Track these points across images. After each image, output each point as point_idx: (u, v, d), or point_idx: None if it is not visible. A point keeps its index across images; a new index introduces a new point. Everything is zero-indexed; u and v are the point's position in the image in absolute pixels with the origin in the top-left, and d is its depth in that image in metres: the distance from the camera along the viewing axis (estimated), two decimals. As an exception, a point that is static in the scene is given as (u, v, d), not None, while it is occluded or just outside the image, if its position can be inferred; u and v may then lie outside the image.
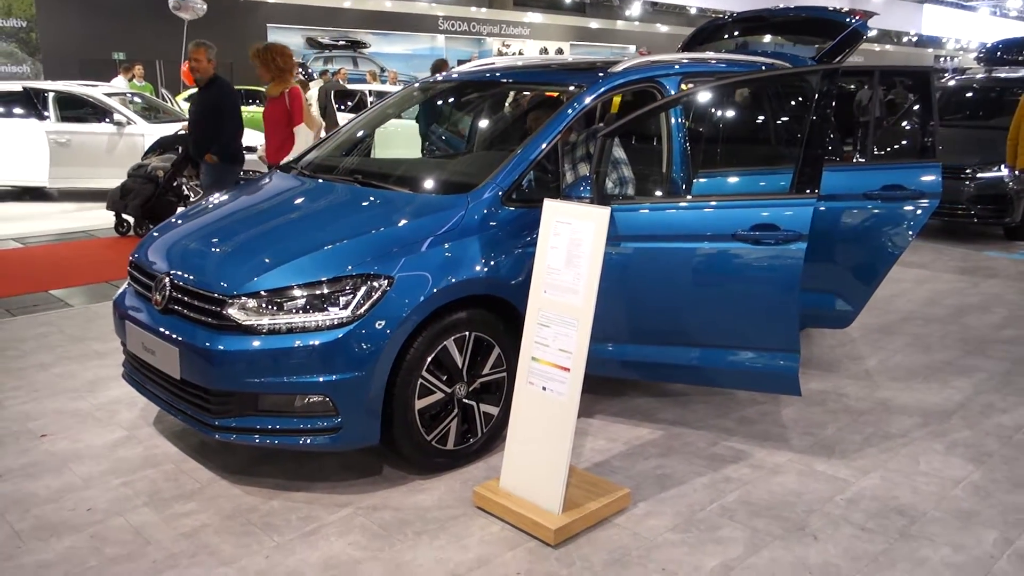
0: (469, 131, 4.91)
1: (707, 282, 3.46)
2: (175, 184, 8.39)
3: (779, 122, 4.80)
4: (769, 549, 2.89)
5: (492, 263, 3.40)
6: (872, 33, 38.96)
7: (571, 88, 3.95)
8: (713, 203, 3.49)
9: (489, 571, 2.76)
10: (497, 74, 4.57)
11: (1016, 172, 7.95)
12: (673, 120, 4.07)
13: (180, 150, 8.79)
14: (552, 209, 3.06)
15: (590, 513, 3.01)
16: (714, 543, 2.92)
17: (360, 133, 4.68)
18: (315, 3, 25.92)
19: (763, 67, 4.70)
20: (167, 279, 3.39)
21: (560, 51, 30.19)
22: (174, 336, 3.24)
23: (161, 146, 9.40)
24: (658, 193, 4.05)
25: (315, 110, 13.04)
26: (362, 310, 3.08)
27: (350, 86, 15.07)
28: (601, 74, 3.98)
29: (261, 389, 3.10)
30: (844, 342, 5.19)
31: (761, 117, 4.85)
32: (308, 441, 3.15)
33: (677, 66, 4.25)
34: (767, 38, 6.50)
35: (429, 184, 3.81)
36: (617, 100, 4.44)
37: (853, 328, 5.34)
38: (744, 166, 4.45)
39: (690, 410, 4.09)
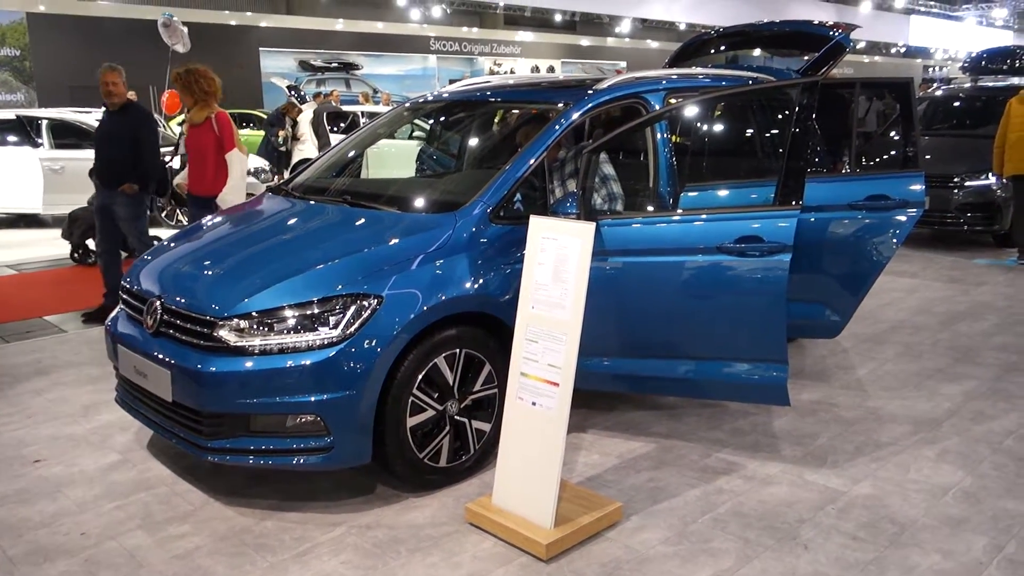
0: (459, 150, 4.95)
1: (694, 295, 3.49)
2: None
3: (765, 135, 4.85)
4: (760, 560, 2.90)
5: (481, 280, 3.43)
6: (860, 45, 39.34)
7: (558, 105, 4.00)
8: (698, 216, 3.52)
9: (482, 587, 2.77)
10: (485, 93, 4.62)
11: (1004, 180, 8.02)
12: (659, 135, 4.11)
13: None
14: (538, 225, 3.09)
15: (582, 527, 3.02)
16: (706, 555, 2.94)
17: (350, 154, 4.73)
18: (307, 26, 26.11)
19: (749, 81, 4.76)
20: (158, 302, 3.41)
21: (552, 69, 30.38)
22: (165, 359, 3.26)
23: None
24: (649, 208, 4.09)
25: (306, 133, 13.11)
26: (352, 329, 3.10)
27: (343, 108, 15.15)
28: (587, 91, 4.02)
29: (253, 410, 3.11)
30: (835, 352, 5.22)
31: (747, 130, 4.91)
32: (300, 461, 3.16)
33: (662, 82, 4.30)
34: (756, 52, 6.57)
35: (417, 203, 3.85)
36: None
37: (844, 338, 5.38)
38: (731, 179, 4.49)
39: (682, 422, 4.11)
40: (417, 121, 5.26)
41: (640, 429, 4.04)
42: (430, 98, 4.82)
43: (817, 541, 3.01)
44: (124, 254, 6.25)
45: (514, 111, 4.83)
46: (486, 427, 3.53)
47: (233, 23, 24.72)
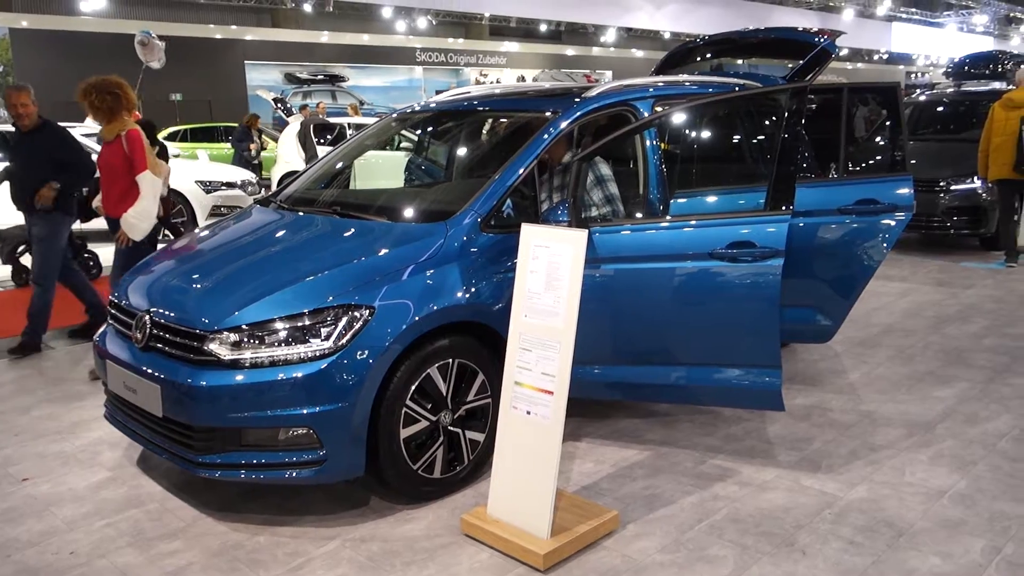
0: (447, 159, 4.94)
1: (686, 301, 3.48)
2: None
3: (754, 141, 4.86)
4: (758, 566, 2.88)
5: (473, 289, 3.41)
6: (843, 52, 39.65)
7: (547, 114, 3.99)
8: (689, 223, 3.52)
9: (479, 599, 2.74)
10: (473, 102, 4.62)
11: (989, 184, 8.08)
12: (648, 142, 4.11)
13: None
14: (530, 233, 3.08)
15: (579, 537, 3.00)
16: (703, 562, 2.92)
17: (338, 165, 4.71)
18: (292, 39, 26.12)
19: (735, 88, 4.77)
20: (147, 316, 3.38)
21: (522, 78, 30.27)
22: (155, 373, 3.23)
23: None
24: (637, 215, 4.09)
25: (287, 145, 13.06)
26: (344, 340, 3.07)
27: (330, 119, 15.14)
28: (576, 99, 4.02)
29: (244, 424, 3.08)
30: (827, 356, 5.22)
31: (736, 136, 4.92)
32: (293, 475, 3.13)
33: (650, 89, 4.30)
34: (739, 61, 6.59)
35: (408, 213, 3.83)
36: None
37: (836, 342, 5.39)
38: (722, 185, 4.50)
39: (676, 429, 4.09)
40: (405, 132, 5.23)
41: (634, 437, 4.03)
42: (417, 108, 4.82)
43: (815, 546, 3.00)
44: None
45: (502, 120, 4.82)
46: (480, 437, 3.51)
47: (218, 36, 24.70)
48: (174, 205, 8.17)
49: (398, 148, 9.22)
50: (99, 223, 6.36)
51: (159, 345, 3.30)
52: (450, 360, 3.36)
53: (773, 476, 3.58)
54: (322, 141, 13.09)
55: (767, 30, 6.12)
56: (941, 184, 8.39)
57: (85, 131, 11.65)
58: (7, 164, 5.94)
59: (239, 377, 3.05)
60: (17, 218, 7.73)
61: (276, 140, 14.70)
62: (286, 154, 13.22)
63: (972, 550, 2.95)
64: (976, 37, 41.86)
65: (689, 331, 3.52)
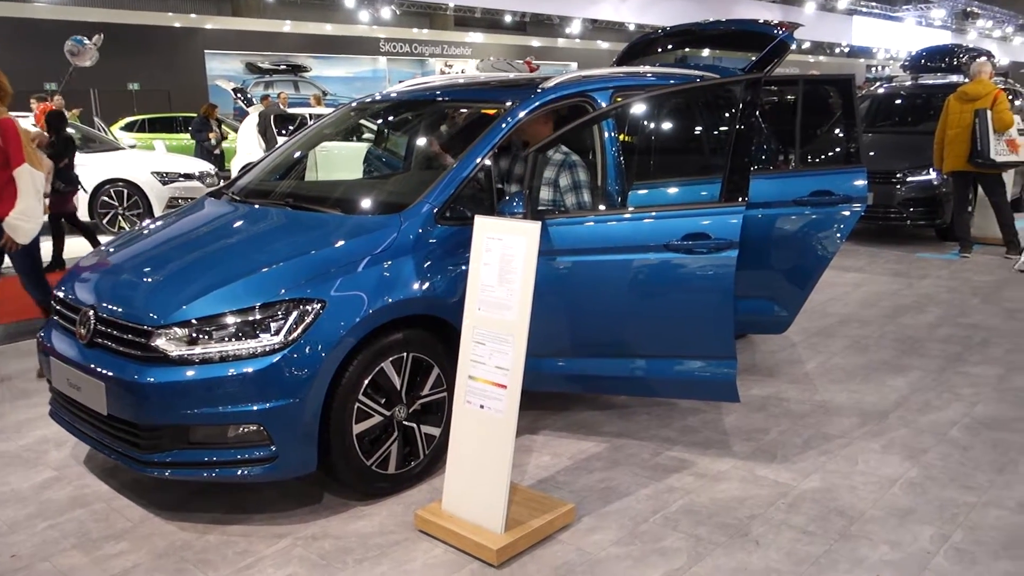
0: (405, 150, 4.87)
1: (642, 293, 3.48)
2: None
3: (713, 132, 4.87)
4: (712, 557, 2.89)
5: (428, 282, 3.37)
6: (805, 45, 40.05)
7: (505, 104, 3.95)
8: (645, 214, 3.51)
9: (432, 596, 2.71)
10: (432, 92, 4.56)
11: (944, 176, 8.20)
12: (606, 133, 4.10)
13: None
14: (483, 225, 3.04)
15: (533, 531, 2.98)
16: (658, 554, 2.92)
17: (294, 156, 4.63)
18: (254, 28, 25.72)
19: (697, 79, 4.77)
20: (91, 311, 3.29)
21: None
22: (100, 370, 3.14)
23: None
24: (599, 207, 4.06)
25: (246, 136, 12.85)
26: (294, 335, 3.02)
27: (291, 110, 14.94)
28: (534, 91, 3.99)
29: (192, 421, 3.01)
30: (784, 347, 5.26)
31: (694, 127, 4.92)
32: (244, 472, 3.07)
33: (609, 80, 4.28)
34: (705, 52, 6.60)
35: (362, 205, 3.77)
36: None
37: (793, 332, 5.44)
38: (681, 176, 4.50)
39: (634, 421, 4.09)
40: (363, 121, 5.15)
41: (592, 429, 4.02)
42: (376, 98, 4.75)
43: (768, 536, 3.01)
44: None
45: (461, 111, 4.77)
46: (436, 432, 3.47)
47: (177, 25, 24.25)
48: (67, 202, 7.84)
49: (357, 139, 9.12)
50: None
51: (104, 341, 3.22)
52: (404, 354, 3.32)
53: (728, 467, 3.59)
54: (283, 132, 12.92)
55: (727, 22, 6.13)
56: (898, 176, 8.50)
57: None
58: None
59: (187, 373, 2.98)
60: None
61: (237, 131, 14.47)
62: (245, 145, 13.01)
63: (921, 537, 2.99)
64: (934, 31, 42.50)
65: (645, 323, 3.52)
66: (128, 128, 18.57)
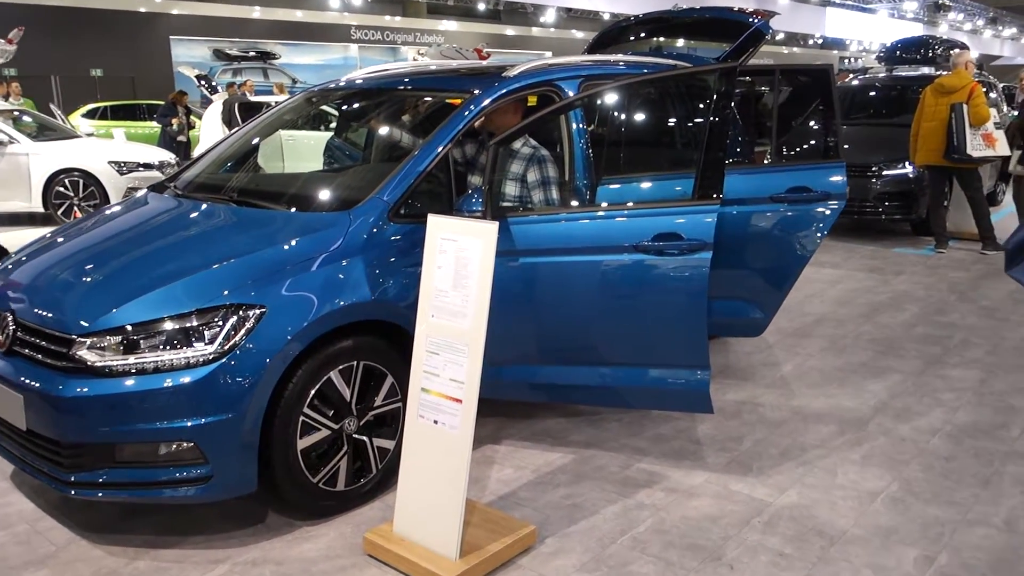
0: (362, 141, 4.60)
1: (610, 297, 3.26)
2: None
3: (687, 124, 4.65)
4: (683, 584, 2.69)
5: (380, 285, 3.13)
6: (779, 36, 40.03)
7: (466, 93, 3.71)
8: (612, 213, 3.29)
9: (378, 631, 2.48)
10: (393, 80, 4.30)
11: (920, 169, 8.06)
12: (574, 125, 3.86)
13: None
14: (437, 225, 2.80)
15: (491, 556, 2.76)
16: (625, 581, 2.71)
17: (243, 147, 4.34)
18: (221, 13, 25.13)
19: (671, 69, 4.55)
20: (10, 316, 3.01)
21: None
22: (18, 381, 2.87)
23: None
24: (567, 205, 3.83)
25: (210, 125, 12.46)
26: (230, 344, 2.76)
27: (256, 98, 14.54)
28: (497, 79, 3.75)
29: (118, 438, 2.75)
30: (760, 348, 5.08)
31: (667, 119, 4.70)
32: (176, 493, 2.81)
33: (577, 69, 4.05)
34: (680, 42, 6.39)
35: (309, 201, 3.51)
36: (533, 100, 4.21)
37: (768, 332, 5.24)
38: (653, 171, 4.28)
39: (603, 429, 3.88)
40: (323, 108, 4.86)
41: (558, 438, 3.80)
42: (331, 86, 4.48)
43: (743, 560, 2.81)
44: None
45: (424, 100, 4.50)
46: (390, 445, 3.24)
47: (142, 10, 23.61)
48: None
49: (324, 127, 8.83)
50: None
51: (23, 350, 2.94)
52: (355, 362, 3.08)
53: (701, 481, 3.39)
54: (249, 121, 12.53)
55: (701, 9, 5.92)
56: (873, 169, 8.35)
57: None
58: None
59: (110, 386, 2.71)
60: None
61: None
62: (210, 134, 12.61)
63: (905, 561, 2.80)
64: (906, 23, 42.66)
65: (613, 329, 3.30)
66: (90, 115, 18.02)
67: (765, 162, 4.32)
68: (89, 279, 3.06)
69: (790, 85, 5.89)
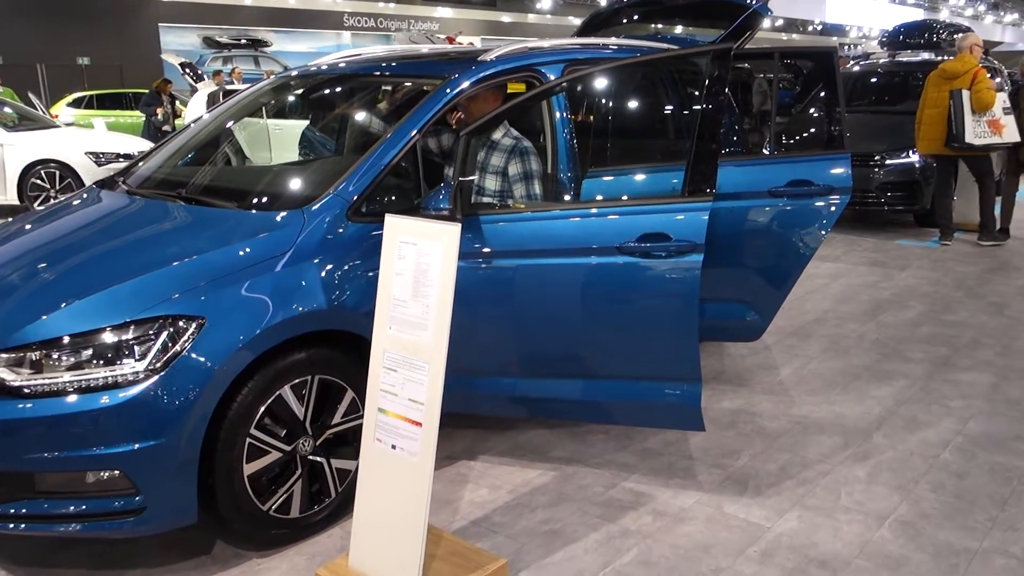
0: (327, 131, 4.28)
1: (591, 304, 2.96)
2: None
3: (683, 111, 4.34)
4: (670, 628, 2.41)
5: (337, 291, 2.83)
6: (778, 23, 39.57)
7: (437, 79, 3.40)
8: (593, 210, 3.00)
9: None
10: (361, 66, 3.99)
11: (926, 158, 7.75)
12: (557, 113, 3.57)
13: None
14: (395, 226, 2.50)
15: (456, 595, 2.48)
16: (605, 624, 2.43)
17: (204, 138, 4.03)
18: (211, 0, 24.71)
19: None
20: (-78, 330, 2.71)
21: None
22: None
23: None
24: (545, 202, 3.53)
25: (194, 114, 12.13)
26: (163, 360, 2.46)
27: (244, 87, 14.19)
28: (472, 64, 3.44)
29: (38, 466, 2.46)
30: (757, 350, 4.78)
31: (660, 106, 4.40)
32: (106, 527, 2.53)
33: (560, 53, 3.74)
34: (679, 29, 6.09)
35: (261, 198, 3.20)
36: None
37: (766, 333, 4.93)
38: (644, 162, 3.99)
39: (587, 444, 3.59)
40: (288, 98, 4.53)
41: (539, 453, 3.52)
42: (296, 72, 4.16)
43: (737, 598, 2.54)
44: None
45: (387, 87, 4.19)
46: (351, 466, 2.94)
47: (131, -4, 23.20)
48: None
49: (280, 116, 8.48)
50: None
51: (-64, 366, 2.64)
52: (309, 377, 2.79)
53: (692, 502, 3.10)
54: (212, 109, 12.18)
55: (696, -10, 5.62)
56: (876, 158, 8.04)
57: None
58: None
59: (26, 408, 2.42)
60: None
61: (187, 108, 13.70)
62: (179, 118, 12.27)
63: (917, 599, 2.52)
64: (907, 9, 42.20)
65: (596, 339, 3.01)
66: (75, 104, 17.64)
67: (764, 153, 4.02)
68: (7, 288, 2.76)
69: (791, 70, 5.57)
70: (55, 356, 2.46)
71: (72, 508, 2.51)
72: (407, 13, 30.01)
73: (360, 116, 3.88)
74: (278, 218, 2.91)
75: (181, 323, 2.52)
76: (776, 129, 4.08)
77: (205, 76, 14.82)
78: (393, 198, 3.24)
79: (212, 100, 12.28)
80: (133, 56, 22.17)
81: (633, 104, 4.26)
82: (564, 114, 3.58)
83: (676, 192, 3.06)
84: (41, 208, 3.63)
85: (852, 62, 11.53)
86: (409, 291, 2.43)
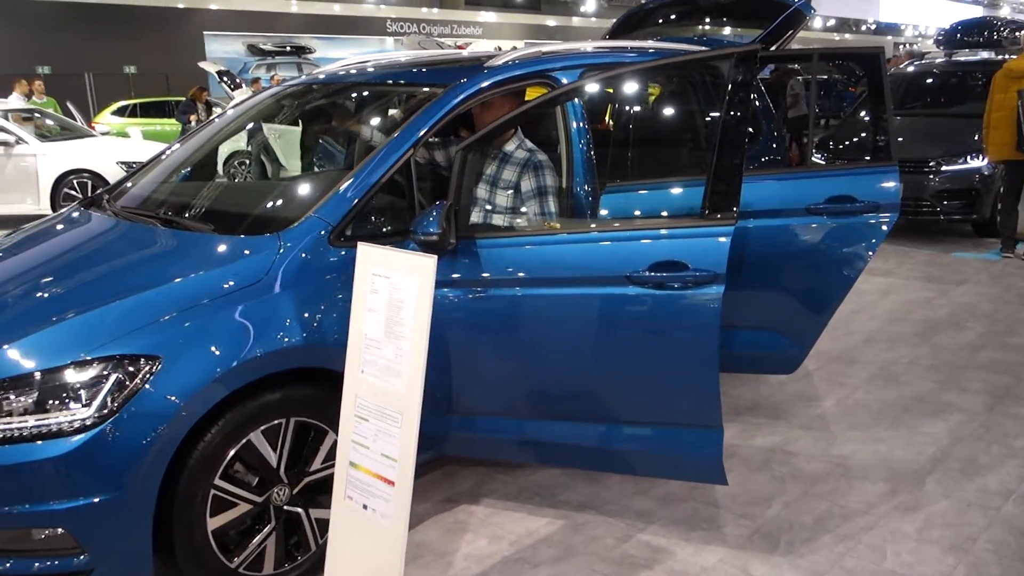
0: (336, 145, 4.02)
1: (600, 340, 2.64)
2: None
3: (708, 120, 3.99)
4: None
5: (316, 325, 2.55)
6: (830, 23, 38.58)
7: (439, 87, 3.11)
8: (600, 234, 2.68)
9: None
10: (361, 74, 3.72)
11: (993, 165, 7.22)
12: (574, 124, 3.26)
13: None
14: (367, 256, 2.22)
15: (436, 677, 2.18)
16: None
17: (199, 153, 3.79)
18: (256, 7, 24.88)
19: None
20: None
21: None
22: None
23: None
24: (573, 216, 3.20)
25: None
26: (113, 406, 2.21)
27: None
28: (478, 71, 3.15)
29: (-31, 523, 2.23)
30: (797, 377, 4.38)
31: (689, 114, 4.05)
32: (51, 588, 2.28)
33: (577, 57, 3.43)
34: (727, 30, 5.75)
35: (235, 221, 2.92)
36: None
37: (807, 358, 4.56)
38: (669, 176, 3.65)
39: (603, 486, 3.26)
40: (287, 109, 4.29)
41: (548, 497, 3.20)
42: (294, 83, 3.91)
43: None
44: None
45: (395, 94, 3.92)
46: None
47: (179, 6, 23.45)
48: None
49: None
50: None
51: None
52: (283, 420, 2.51)
53: (715, 560, 2.76)
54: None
55: (735, -12, 5.26)
56: (931, 164, 7.54)
57: (3, 107, 10.64)
58: None
59: (-39, 459, 2.19)
60: None
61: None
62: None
63: None
64: (965, 7, 40.84)
65: (604, 379, 2.68)
66: (119, 113, 17.81)
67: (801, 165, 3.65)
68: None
69: (844, 74, 5.16)
70: (-6, 400, 2.23)
71: (15, 570, 2.27)
72: (450, 18, 29.90)
73: (356, 128, 3.61)
74: (252, 243, 2.64)
75: (133, 363, 2.26)
76: (818, 137, 3.70)
77: (243, 84, 14.79)
78: (385, 220, 2.96)
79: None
80: (179, 64, 22.37)
81: (656, 112, 3.93)
82: (581, 124, 3.27)
83: (694, 212, 2.72)
84: (28, 226, 3.43)
85: (907, 62, 10.96)
86: (382, 330, 2.15)
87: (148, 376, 2.25)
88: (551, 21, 32.90)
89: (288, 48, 25.63)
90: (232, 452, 2.41)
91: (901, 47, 34.24)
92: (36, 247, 3.03)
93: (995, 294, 5.98)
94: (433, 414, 2.72)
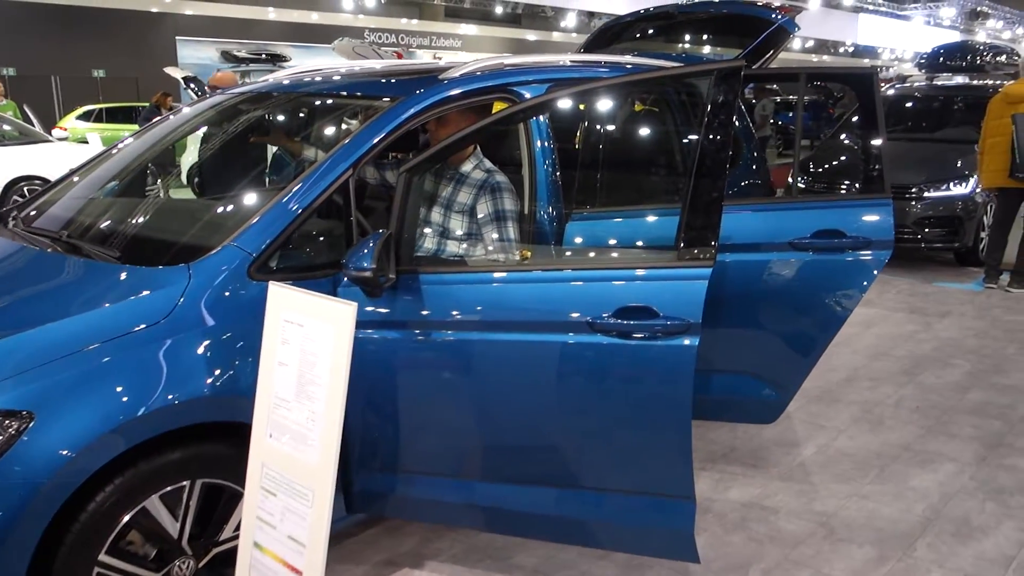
0: (256, 163, 3.68)
1: (556, 394, 2.31)
2: None
3: (684, 140, 3.70)
4: None
5: (228, 372, 2.20)
6: (809, 44, 38.78)
7: (385, 101, 2.79)
8: (558, 273, 2.35)
9: None
10: (302, 84, 3.39)
11: (987, 193, 7.00)
12: (538, 143, 2.95)
13: None
14: (279, 299, 1.88)
15: None
16: None
17: (120, 166, 3.42)
18: (231, 14, 24.44)
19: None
20: None
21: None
22: None
23: None
24: (534, 245, 2.88)
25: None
26: (-31, 472, 1.85)
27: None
28: (431, 84, 2.83)
29: None
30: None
31: (666, 136, 3.76)
32: None
33: (542, 71, 3.12)
34: (707, 48, 5.49)
35: (140, 248, 2.57)
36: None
37: (786, 398, 4.26)
38: (643, 203, 3.36)
39: (560, 548, 2.92)
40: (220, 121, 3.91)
41: (501, 559, 2.86)
42: (230, 94, 3.56)
43: None
44: None
45: (337, 107, 3.58)
46: (248, 588, 2.31)
47: (152, 10, 22.95)
48: None
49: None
50: None
51: None
52: (186, 483, 2.16)
53: (685, 643, 2.43)
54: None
55: (718, 3, 5.01)
56: (912, 191, 7.32)
57: None
58: None
59: None
60: None
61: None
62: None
63: None
64: (942, 31, 41.19)
65: (561, 439, 2.35)
66: (85, 117, 17.32)
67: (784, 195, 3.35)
68: None
69: (821, 95, 4.91)
70: None
71: None
72: (429, 30, 29.62)
73: (292, 144, 3.27)
74: (155, 276, 2.29)
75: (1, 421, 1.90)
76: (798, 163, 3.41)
77: (210, 92, 14.37)
78: (319, 250, 2.61)
79: (213, 116, 11.77)
80: (149, 69, 21.86)
81: (631, 132, 3.63)
82: (546, 143, 2.97)
83: (669, 246, 2.41)
84: None
85: (891, 82, 10.78)
86: (293, 388, 1.80)
87: (16, 436, 1.89)
88: (531, 36, 32.73)
89: (264, 56, 25.16)
90: (124, 522, 2.06)
91: (889, 69, 34.42)
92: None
93: (981, 328, 5.73)
94: (368, 469, 2.39)
